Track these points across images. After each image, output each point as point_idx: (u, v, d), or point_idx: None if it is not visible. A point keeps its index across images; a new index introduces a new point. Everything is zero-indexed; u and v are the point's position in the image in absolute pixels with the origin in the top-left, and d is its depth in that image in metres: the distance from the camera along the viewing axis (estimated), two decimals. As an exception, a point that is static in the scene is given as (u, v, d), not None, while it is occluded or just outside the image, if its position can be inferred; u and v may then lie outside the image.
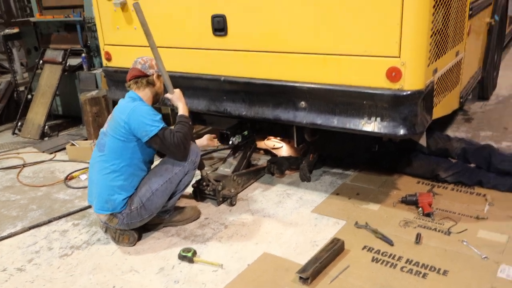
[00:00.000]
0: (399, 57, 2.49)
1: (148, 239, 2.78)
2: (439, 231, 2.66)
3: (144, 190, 2.64)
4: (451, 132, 4.21)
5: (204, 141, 3.31)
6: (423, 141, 2.88)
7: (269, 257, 2.54)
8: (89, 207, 3.17)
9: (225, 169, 3.36)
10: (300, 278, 2.29)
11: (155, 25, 3.34)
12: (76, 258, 2.63)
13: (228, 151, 3.68)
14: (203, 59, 3.25)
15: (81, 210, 3.18)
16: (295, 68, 2.85)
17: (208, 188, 3.11)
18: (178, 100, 2.83)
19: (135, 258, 2.59)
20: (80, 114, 5.17)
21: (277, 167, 3.52)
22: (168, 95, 2.85)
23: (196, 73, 3.31)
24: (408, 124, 2.57)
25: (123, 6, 3.53)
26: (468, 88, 3.80)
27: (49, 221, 3.05)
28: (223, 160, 3.55)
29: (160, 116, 2.64)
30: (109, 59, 3.83)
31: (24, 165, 4.09)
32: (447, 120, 4.49)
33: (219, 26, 3.07)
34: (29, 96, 5.30)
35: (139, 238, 2.76)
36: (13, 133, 5.06)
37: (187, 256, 2.52)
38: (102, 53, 3.87)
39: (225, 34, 3.07)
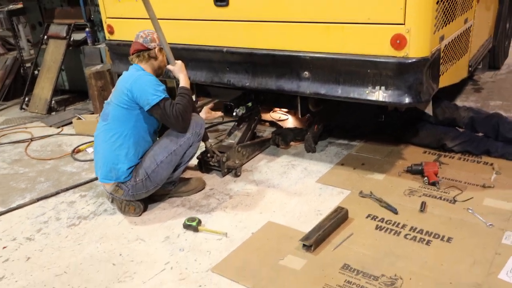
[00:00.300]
0: (404, 24, 2.44)
1: (153, 209, 2.81)
2: (444, 199, 2.66)
3: (149, 162, 2.66)
4: (460, 102, 4.16)
5: (203, 114, 3.24)
6: (429, 110, 2.84)
7: (273, 225, 2.56)
8: (96, 179, 3.20)
9: (230, 141, 3.37)
10: (304, 245, 2.31)
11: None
12: (84, 228, 2.68)
13: (233, 123, 3.67)
14: (205, 31, 3.21)
15: (88, 182, 3.22)
16: (298, 37, 2.81)
17: (213, 159, 3.12)
18: (179, 71, 2.81)
19: (141, 228, 2.64)
20: (86, 88, 5.17)
21: (282, 138, 3.51)
22: (169, 67, 2.84)
23: (198, 45, 3.28)
24: (413, 92, 2.54)
25: (124, -23, 3.48)
26: (478, 57, 3.73)
27: (57, 193, 3.10)
28: (228, 132, 3.55)
29: (163, 87, 2.64)
30: (111, 32, 3.81)
31: (32, 139, 4.14)
32: (456, 90, 4.42)
33: (220, -5, 3.03)
34: (35, 72, 5.31)
35: (145, 209, 2.79)
36: (21, 108, 5.10)
37: (192, 225, 2.56)
38: (105, 26, 3.85)
39: (227, 4, 3.03)
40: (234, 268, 2.23)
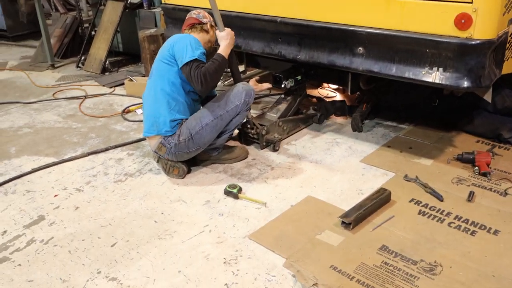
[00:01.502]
0: (472, 2, 2.29)
1: (196, 173, 2.87)
2: (494, 191, 2.55)
3: (194, 122, 2.70)
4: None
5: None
6: (488, 97, 2.69)
7: (312, 200, 2.55)
8: (144, 139, 3.30)
9: (272, 114, 3.32)
10: (343, 222, 2.29)
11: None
12: (129, 185, 2.77)
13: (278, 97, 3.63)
14: (262, -1, 3.17)
15: (136, 141, 3.32)
16: (355, 11, 2.71)
17: (253, 131, 3.11)
18: (223, 38, 2.79)
19: (183, 189, 2.70)
20: (139, 51, 5.28)
21: (323, 113, 3.46)
22: (217, 32, 2.84)
23: (252, 13, 3.23)
24: (474, 76, 2.40)
25: None
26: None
27: (106, 149, 3.22)
28: (272, 105, 3.52)
29: (203, 51, 2.65)
30: (167, -5, 3.83)
31: (85, 97, 4.29)
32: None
33: (279, -36, 2.96)
34: (93, 32, 5.46)
35: (188, 172, 2.85)
36: (77, 67, 5.28)
37: (233, 192, 2.59)
38: (161, -10, 3.88)
39: (285, -28, 2.96)
40: (270, 237, 2.25)
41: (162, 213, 2.48)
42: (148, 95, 2.79)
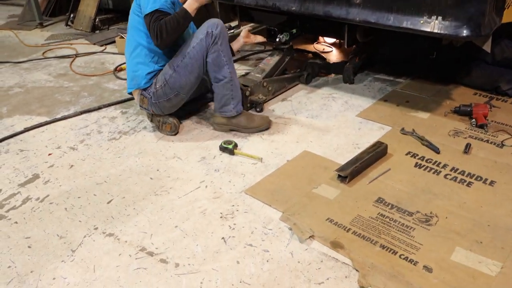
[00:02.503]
0: None
1: (191, 130, 2.83)
2: (491, 142, 2.52)
3: (167, 68, 2.62)
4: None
5: (240, 40, 3.09)
6: (487, 47, 2.62)
7: (308, 155, 2.53)
8: (136, 97, 3.24)
9: (256, 75, 3.16)
10: (339, 176, 2.27)
11: None
12: (124, 142, 2.73)
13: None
14: None
15: (129, 100, 3.25)
16: (354, -43, 2.59)
17: None
18: None
19: (179, 146, 2.66)
20: (129, 8, 5.11)
21: (310, 73, 3.35)
22: None
23: (246, -38, 3.09)
24: (473, 24, 2.32)
25: None
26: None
27: (99, 108, 3.15)
28: (257, 65, 3.34)
29: (167, 2, 2.50)
30: None
31: (76, 55, 4.18)
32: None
33: None
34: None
35: (179, 128, 2.78)
36: (66, 25, 5.12)
37: (228, 148, 2.56)
38: None
39: None
40: (267, 191, 2.24)
41: (158, 170, 2.45)
42: (127, 51, 2.71)
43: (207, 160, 2.52)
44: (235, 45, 3.07)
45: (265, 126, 2.78)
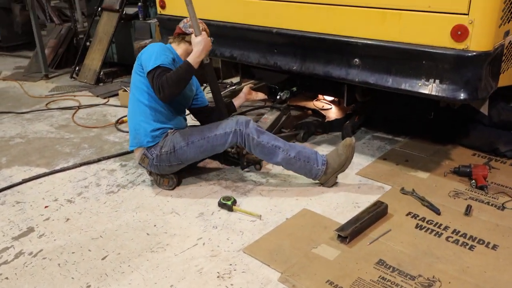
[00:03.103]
0: (468, 14, 2.29)
1: (190, 185, 2.82)
2: (492, 205, 2.51)
3: (180, 138, 2.64)
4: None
5: (242, 96, 3.16)
6: (484, 110, 2.68)
7: (308, 213, 2.51)
8: (137, 150, 3.26)
9: None
10: (339, 236, 2.24)
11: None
12: (122, 196, 2.72)
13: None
14: (256, 10, 3.14)
15: (129, 152, 3.26)
16: (351, 22, 2.70)
17: (233, 150, 2.96)
18: (195, 44, 2.56)
19: (177, 201, 2.65)
20: (133, 62, 5.26)
21: (306, 132, 3.38)
22: (192, 37, 2.61)
23: (247, 24, 3.21)
24: (470, 88, 2.39)
25: (181, -48, 3.46)
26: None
27: (99, 160, 3.16)
28: (256, 120, 3.38)
29: (170, 57, 2.56)
30: (163, 6, 3.81)
31: (79, 107, 4.25)
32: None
33: (276, -25, 2.95)
34: (87, 43, 5.44)
35: (178, 183, 2.79)
36: (71, 77, 5.24)
37: (227, 204, 2.54)
38: (157, 0, 3.86)
39: (280, -16, 2.96)
40: (266, 250, 2.20)
41: (155, 226, 2.42)
42: (129, 108, 2.76)
43: (205, 216, 2.50)
44: (237, 101, 3.13)
45: (351, 151, 2.69)
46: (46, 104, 4.35)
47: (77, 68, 5.26)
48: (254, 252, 2.19)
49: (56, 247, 2.26)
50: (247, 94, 3.17)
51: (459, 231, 2.30)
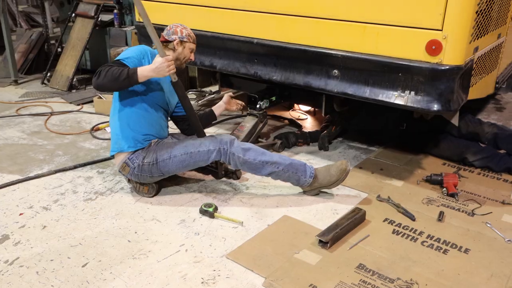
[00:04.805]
0: (442, 30, 2.42)
1: (170, 192, 2.81)
2: (462, 211, 2.64)
3: (164, 151, 2.65)
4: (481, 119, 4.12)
5: (222, 105, 3.17)
6: (455, 121, 2.82)
7: (289, 220, 2.55)
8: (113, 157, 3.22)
9: None
10: (320, 241, 2.30)
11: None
12: (100, 203, 2.68)
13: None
14: (237, 20, 3.20)
15: (106, 159, 3.23)
16: (331, 35, 2.80)
17: None
18: (154, 62, 2.47)
19: (157, 208, 2.64)
20: (108, 70, 5.21)
21: (283, 142, 3.44)
22: (157, 56, 2.53)
23: (228, 34, 3.27)
24: (443, 100, 2.52)
25: (160, -38, 3.49)
26: (505, 75, 3.70)
27: (75, 167, 3.11)
28: (232, 132, 3.41)
29: (133, 57, 2.57)
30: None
31: (51, 113, 4.16)
32: (478, 107, 4.39)
33: (257, -13, 3.03)
34: (59, 49, 5.34)
35: (158, 191, 2.79)
36: (42, 83, 5.12)
37: (208, 211, 2.55)
38: (135, 8, 3.86)
39: (262, -5, 3.03)
40: (249, 256, 2.22)
41: (136, 233, 2.40)
42: (111, 113, 2.74)
43: (186, 223, 2.50)
44: (217, 110, 3.16)
45: (344, 176, 2.74)
46: (17, 110, 4.23)
47: (48, 74, 5.15)
48: (238, 257, 2.21)
49: (33, 255, 2.20)
50: (227, 103, 3.20)
51: (433, 236, 2.40)
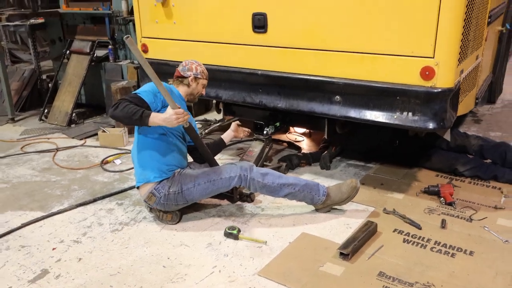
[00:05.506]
0: (433, 57, 2.72)
1: (191, 219, 2.97)
2: (461, 218, 2.90)
3: (188, 179, 2.83)
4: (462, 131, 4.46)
5: (231, 133, 3.39)
6: (447, 136, 3.11)
7: (307, 236, 2.76)
8: (130, 188, 3.37)
9: None
10: (341, 254, 2.51)
11: (199, 22, 3.56)
12: (127, 233, 2.82)
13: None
14: (242, 54, 3.43)
15: (123, 191, 3.37)
16: (332, 65, 3.06)
17: None
18: (165, 112, 2.61)
19: (183, 234, 2.79)
20: (103, 103, 5.36)
21: (287, 164, 3.65)
22: (168, 108, 2.64)
23: (234, 67, 3.50)
24: (438, 119, 2.80)
25: (164, 1, 3.71)
26: (482, 90, 4.06)
27: (94, 200, 3.23)
28: (240, 157, 3.64)
29: (149, 93, 2.73)
30: (145, 51, 4.00)
31: (57, 149, 4.26)
32: (458, 121, 4.74)
33: (260, 23, 3.27)
34: (50, 85, 5.43)
35: (181, 218, 2.95)
36: (40, 119, 5.21)
37: (233, 233, 2.73)
38: (139, 45, 4.05)
39: (265, 31, 3.27)
40: (278, 272, 2.41)
41: (168, 258, 2.55)
42: (134, 148, 2.90)
43: (214, 246, 2.66)
44: (226, 138, 3.37)
45: (355, 193, 2.97)
46: (22, 148, 4.31)
47: (45, 110, 5.24)
48: (269, 274, 2.39)
49: (76, 286, 2.32)
50: (234, 131, 3.41)
51: (440, 242, 2.65)
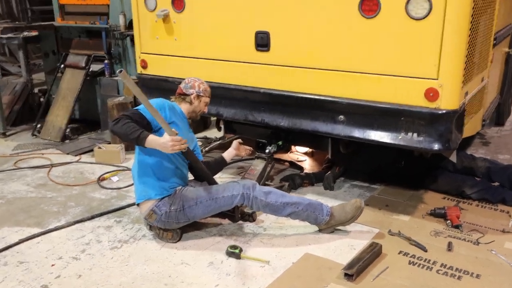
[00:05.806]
0: (437, 79, 2.92)
1: (192, 237, 3.12)
2: (468, 241, 3.06)
3: (190, 196, 2.98)
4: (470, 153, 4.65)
5: (232, 152, 3.54)
6: (453, 158, 3.30)
7: (311, 257, 2.90)
8: (129, 205, 3.51)
9: None
10: (345, 274, 2.65)
11: (201, 39, 3.76)
12: (127, 251, 2.95)
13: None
14: (244, 72, 3.62)
15: (121, 208, 3.51)
16: (336, 84, 3.25)
17: None
18: (163, 137, 2.76)
19: (184, 253, 2.93)
20: (98, 118, 5.53)
21: (290, 184, 3.82)
22: (165, 134, 2.78)
23: (236, 84, 3.69)
24: (443, 140, 2.99)
25: (165, 17, 3.93)
26: (489, 112, 4.27)
27: (92, 217, 3.37)
28: (242, 176, 3.81)
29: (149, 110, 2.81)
30: (144, 67, 4.20)
31: (52, 165, 4.41)
32: (465, 143, 4.94)
33: (262, 42, 3.48)
34: (42, 99, 5.59)
35: (181, 237, 3.09)
36: (32, 134, 5.37)
37: (235, 253, 2.87)
38: (138, 61, 4.24)
39: (268, 50, 3.48)
40: (282, 292, 2.55)
41: (170, 276, 2.69)
42: (135, 165, 3.06)
43: (215, 265, 2.80)
44: (228, 157, 3.53)
45: (359, 213, 3.11)
46: (15, 163, 4.46)
47: (38, 125, 5.40)
48: (273, 293, 2.53)
49: (77, 303, 2.45)
50: (236, 149, 3.58)
51: (446, 265, 2.80)
